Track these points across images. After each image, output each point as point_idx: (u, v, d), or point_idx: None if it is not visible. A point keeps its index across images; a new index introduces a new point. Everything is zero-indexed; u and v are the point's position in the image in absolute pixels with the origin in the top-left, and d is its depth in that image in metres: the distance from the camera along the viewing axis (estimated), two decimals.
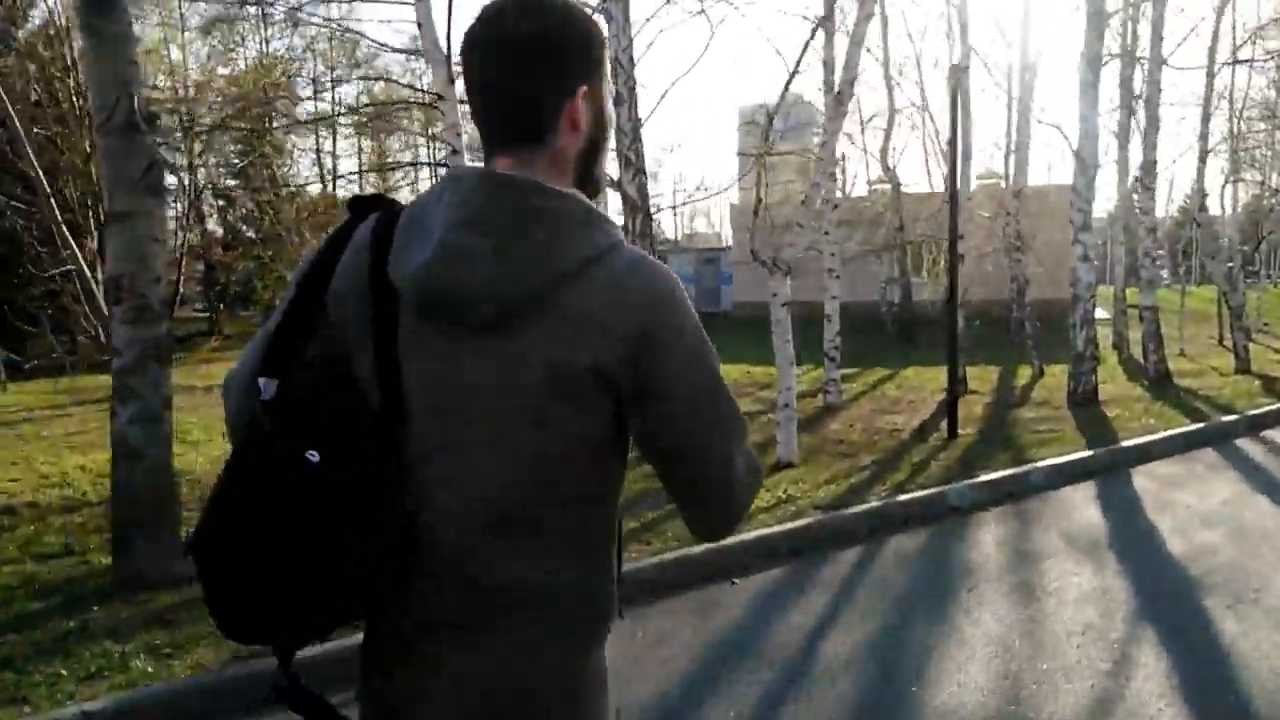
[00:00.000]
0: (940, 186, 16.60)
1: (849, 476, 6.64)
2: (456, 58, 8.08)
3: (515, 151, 1.06)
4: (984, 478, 6.49)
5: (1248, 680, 3.40)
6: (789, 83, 7.36)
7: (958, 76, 8.99)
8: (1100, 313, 17.47)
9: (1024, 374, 12.86)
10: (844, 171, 30.87)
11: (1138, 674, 3.47)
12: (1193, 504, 6.04)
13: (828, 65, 9.63)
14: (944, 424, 8.31)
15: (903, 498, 6.04)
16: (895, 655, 3.74)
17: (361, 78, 22.45)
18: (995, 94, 15.22)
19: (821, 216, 12.22)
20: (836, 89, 7.91)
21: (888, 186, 18.69)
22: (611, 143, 1.27)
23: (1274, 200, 21.71)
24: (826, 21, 8.06)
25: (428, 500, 1.03)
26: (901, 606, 4.31)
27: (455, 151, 6.99)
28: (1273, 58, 15.13)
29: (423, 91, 9.62)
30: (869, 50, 15.94)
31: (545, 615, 1.04)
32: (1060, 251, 13.84)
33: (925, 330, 17.66)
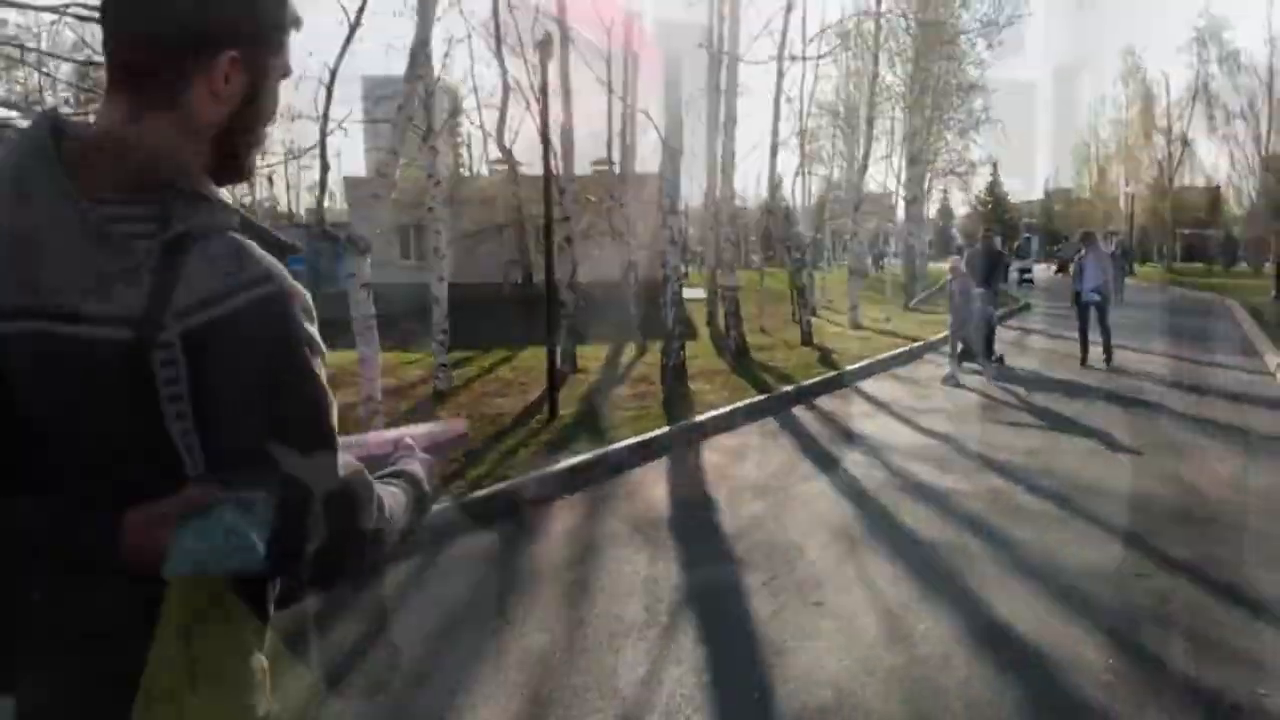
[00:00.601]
0: (559, 169, 16.74)
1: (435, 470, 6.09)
2: None
3: (129, 101, 0.92)
4: (566, 463, 6.32)
5: (773, 667, 3.37)
6: (347, 43, 6.52)
7: (546, 50, 8.79)
8: (700, 293, 19.04)
9: (631, 351, 13.37)
10: (469, 149, 30.34)
11: (670, 676, 3.30)
12: (748, 475, 6.36)
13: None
14: (547, 406, 8.13)
15: (481, 492, 5.62)
16: (418, 696, 3.22)
17: None
18: (600, 78, 15.54)
19: (426, 193, 11.60)
20: (410, 52, 7.28)
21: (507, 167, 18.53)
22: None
23: (836, 193, 25.23)
24: None
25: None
26: (444, 628, 3.82)
27: None
28: (826, 56, 17.31)
29: None
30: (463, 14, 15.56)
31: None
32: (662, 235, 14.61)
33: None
